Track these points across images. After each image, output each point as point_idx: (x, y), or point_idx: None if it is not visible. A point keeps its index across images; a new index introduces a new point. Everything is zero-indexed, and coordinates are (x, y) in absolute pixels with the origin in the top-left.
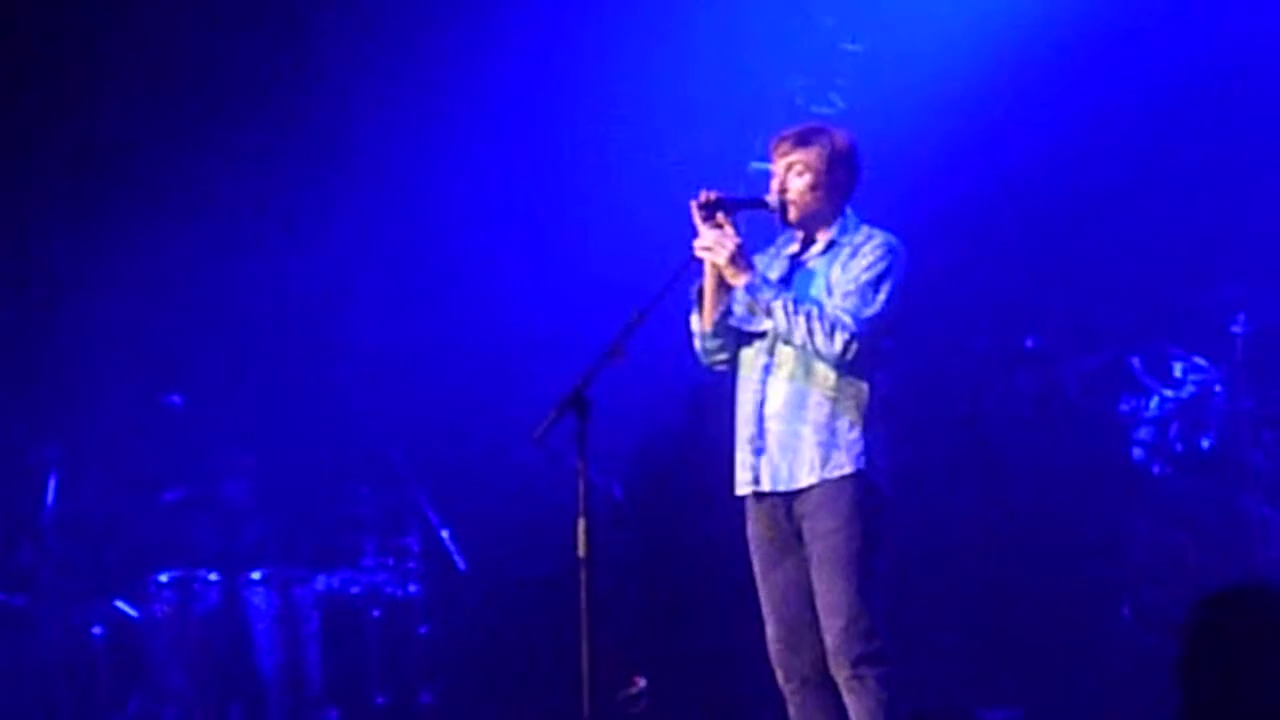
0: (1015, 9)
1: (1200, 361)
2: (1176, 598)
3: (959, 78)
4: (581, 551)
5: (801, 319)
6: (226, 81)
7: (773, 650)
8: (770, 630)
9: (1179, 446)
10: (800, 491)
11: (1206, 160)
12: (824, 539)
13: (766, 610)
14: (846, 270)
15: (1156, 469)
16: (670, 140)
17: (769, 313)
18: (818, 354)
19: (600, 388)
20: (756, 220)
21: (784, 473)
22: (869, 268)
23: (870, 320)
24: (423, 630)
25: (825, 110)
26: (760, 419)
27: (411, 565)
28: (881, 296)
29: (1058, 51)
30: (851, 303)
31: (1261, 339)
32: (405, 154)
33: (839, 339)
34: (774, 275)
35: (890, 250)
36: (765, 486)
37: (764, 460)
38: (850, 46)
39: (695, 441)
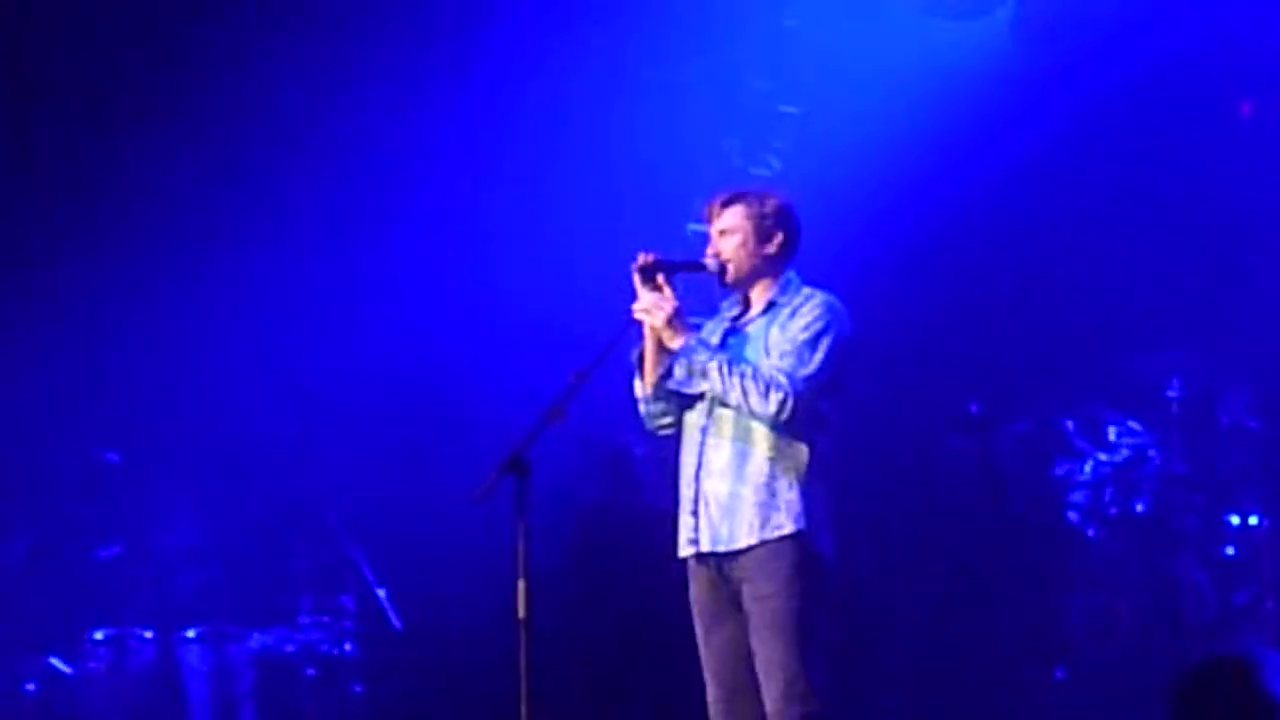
0: (949, 69)
1: (1134, 426)
2: (1111, 660)
3: (895, 139)
4: (521, 613)
5: (736, 379)
6: (124, 112)
7: (713, 713)
8: (710, 693)
9: (1113, 510)
10: (740, 553)
11: (1145, 225)
12: (763, 600)
13: (707, 673)
14: (784, 331)
15: (1091, 532)
16: (609, 201)
17: (705, 375)
18: (753, 415)
19: (540, 449)
20: (699, 284)
21: (724, 533)
22: (806, 327)
23: (806, 380)
24: (358, 689)
25: (763, 172)
26: (699, 480)
27: (347, 624)
28: (819, 356)
29: (994, 112)
30: (788, 363)
31: (1195, 404)
32: (339, 206)
33: (774, 399)
34: (714, 339)
35: (829, 309)
36: (705, 547)
37: (703, 522)
38: (787, 109)
39: (639, 503)
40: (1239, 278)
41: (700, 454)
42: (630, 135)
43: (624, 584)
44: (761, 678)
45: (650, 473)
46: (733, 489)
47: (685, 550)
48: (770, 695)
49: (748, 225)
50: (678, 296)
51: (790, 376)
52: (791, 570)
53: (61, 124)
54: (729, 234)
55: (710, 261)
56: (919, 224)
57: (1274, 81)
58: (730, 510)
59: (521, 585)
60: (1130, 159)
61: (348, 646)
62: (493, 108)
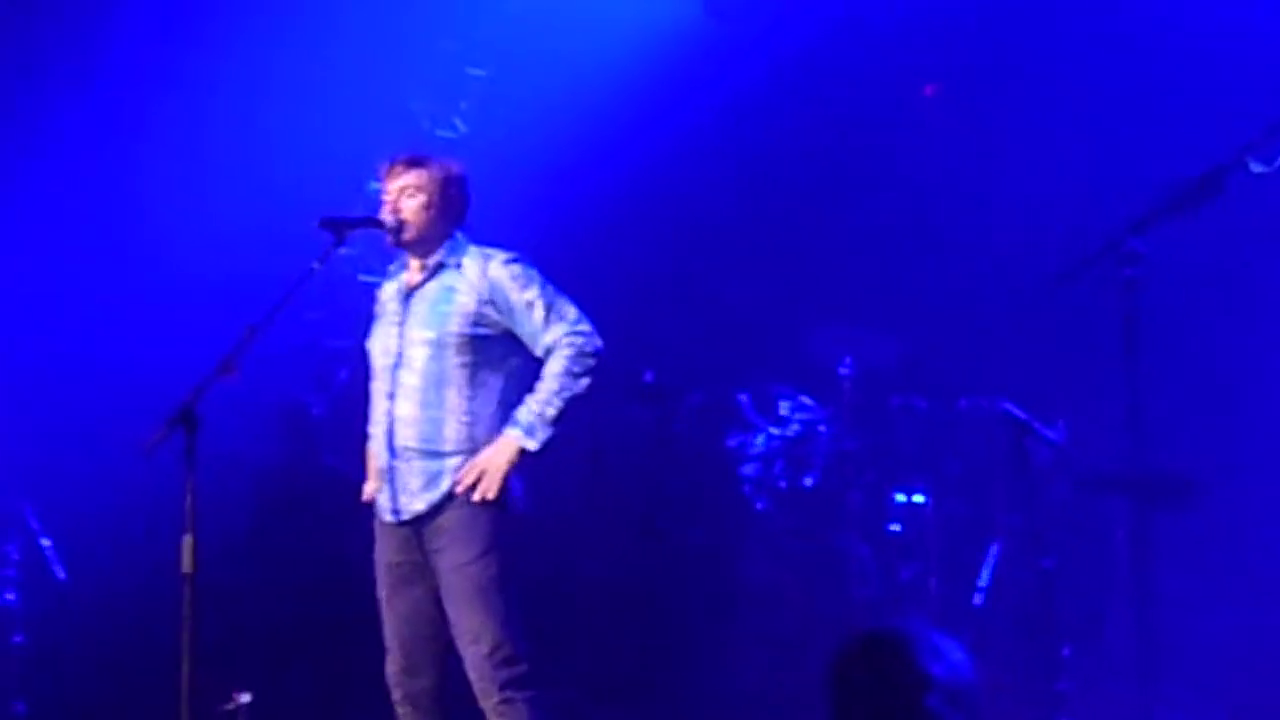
0: (637, 36)
1: (806, 401)
2: (776, 631)
3: (581, 105)
4: (187, 567)
5: (568, 392)
6: None
7: (390, 672)
8: (392, 654)
9: (783, 483)
10: (431, 519)
11: (819, 202)
12: (458, 569)
13: (389, 633)
14: (521, 319)
15: (761, 505)
16: (290, 159)
17: (556, 420)
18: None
19: (216, 408)
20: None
21: (416, 501)
22: (529, 293)
23: (578, 319)
24: (18, 639)
25: (448, 134)
26: (391, 447)
27: (9, 573)
28: (563, 300)
29: (680, 81)
30: (560, 329)
31: (866, 381)
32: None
33: (591, 360)
34: (393, 305)
35: (522, 265)
36: (395, 515)
37: (395, 488)
38: (474, 71)
39: (317, 463)
40: (913, 259)
41: (390, 419)
42: (316, 90)
43: (298, 543)
44: (462, 643)
45: (328, 432)
46: (425, 456)
47: (378, 515)
48: (474, 660)
49: (431, 188)
50: (357, 252)
51: (573, 333)
52: (485, 536)
53: None
54: (411, 194)
55: (387, 219)
56: (600, 191)
57: (962, 63)
58: (421, 477)
59: (188, 540)
60: (812, 136)
61: (9, 596)
62: (170, 57)
